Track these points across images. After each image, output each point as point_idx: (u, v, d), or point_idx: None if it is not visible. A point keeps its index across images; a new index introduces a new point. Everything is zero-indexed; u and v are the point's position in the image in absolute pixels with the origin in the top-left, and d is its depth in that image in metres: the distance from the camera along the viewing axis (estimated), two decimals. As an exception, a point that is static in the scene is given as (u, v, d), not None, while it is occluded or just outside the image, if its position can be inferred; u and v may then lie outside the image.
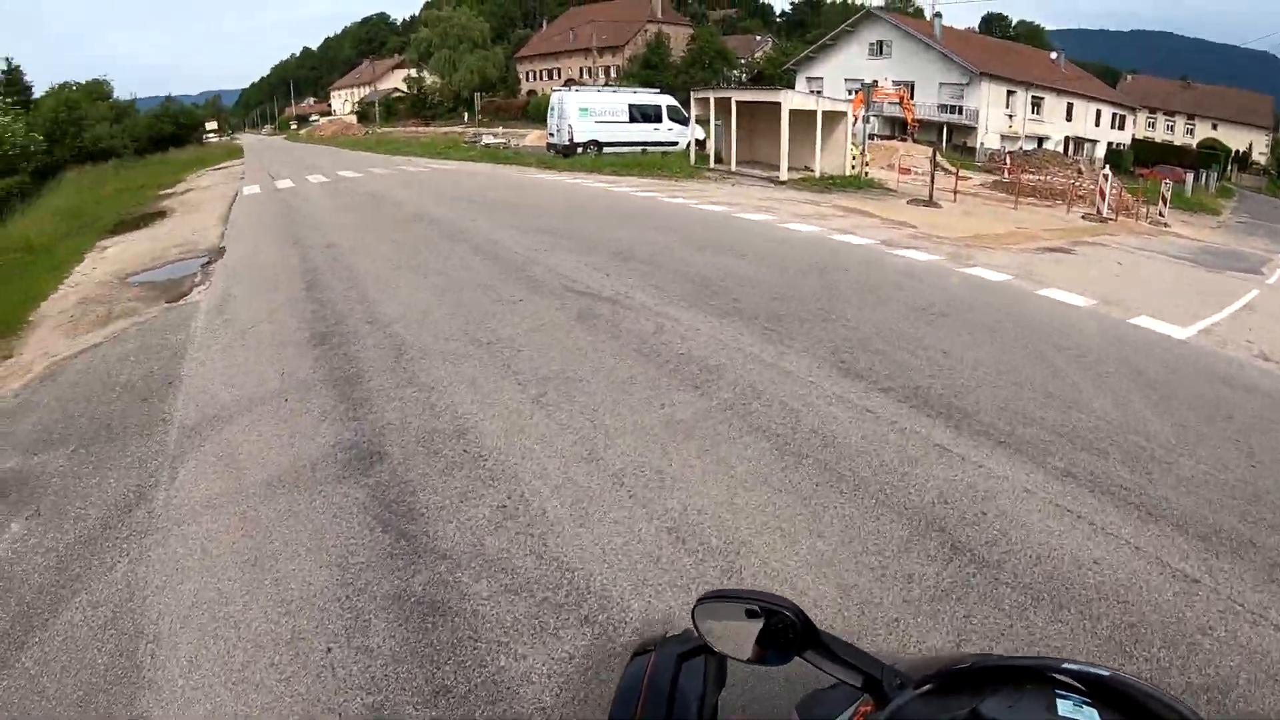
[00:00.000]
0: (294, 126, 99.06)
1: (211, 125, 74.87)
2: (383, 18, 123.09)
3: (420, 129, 61.16)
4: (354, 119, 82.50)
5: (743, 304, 7.50)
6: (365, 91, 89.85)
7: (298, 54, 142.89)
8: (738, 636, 1.16)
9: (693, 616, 1.19)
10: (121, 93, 55.38)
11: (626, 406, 5.08)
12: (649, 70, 58.13)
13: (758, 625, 1.14)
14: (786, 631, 1.12)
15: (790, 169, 18.58)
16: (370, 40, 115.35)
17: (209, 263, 10.54)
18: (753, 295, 7.88)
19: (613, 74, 61.18)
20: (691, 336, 6.48)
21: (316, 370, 5.96)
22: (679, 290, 7.98)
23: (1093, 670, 0.97)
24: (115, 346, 7.15)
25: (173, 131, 54.39)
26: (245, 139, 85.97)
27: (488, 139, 38.98)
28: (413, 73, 78.24)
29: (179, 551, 3.80)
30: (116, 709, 2.90)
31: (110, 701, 2.94)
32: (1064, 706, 0.93)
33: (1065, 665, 0.98)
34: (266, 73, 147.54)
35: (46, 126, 40.36)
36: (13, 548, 3.99)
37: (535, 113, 58.30)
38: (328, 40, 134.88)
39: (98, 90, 50.98)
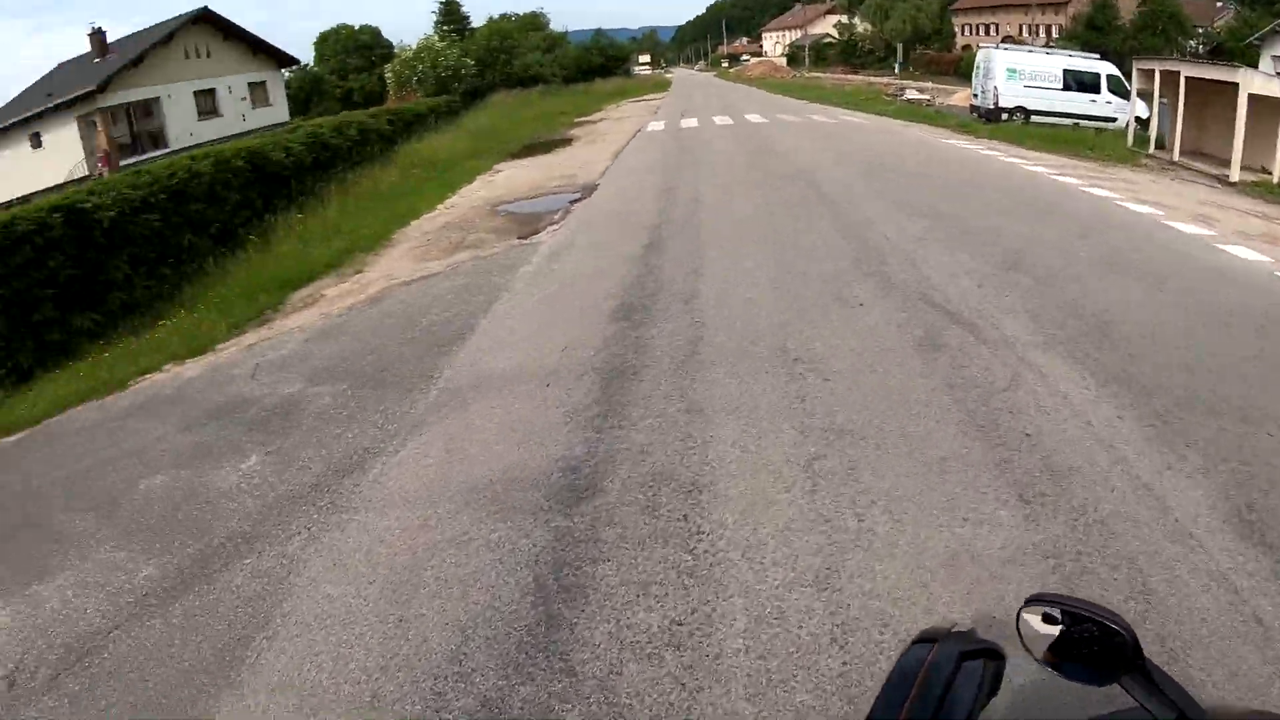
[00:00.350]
0: (725, 65, 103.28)
1: (644, 59, 79.99)
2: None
3: (847, 76, 59.73)
4: (783, 61, 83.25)
5: (1139, 368, 5.05)
6: (796, 35, 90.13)
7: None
8: (1056, 645, 1.10)
9: (1018, 617, 1.14)
10: (557, 25, 60.57)
11: (915, 508, 3.56)
12: (1092, 32, 50.60)
13: (1080, 636, 1.08)
14: (1112, 650, 1.05)
15: (1243, 168, 14.60)
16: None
17: (576, 200, 10.83)
18: (1156, 354, 5.29)
19: (1054, 34, 54.07)
20: (1051, 408, 4.52)
21: (599, 353, 5.57)
22: (1060, 327, 5.77)
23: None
24: (445, 280, 7.45)
25: (600, 63, 57.21)
26: (677, 73, 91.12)
27: (911, 94, 36.54)
28: (844, 19, 76.47)
29: (346, 546, 3.70)
30: (201, 701, 2.88)
31: (201, 687, 2.95)
32: None
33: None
34: (702, 11, 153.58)
35: (479, 53, 45.52)
36: (237, 483, 4.20)
37: (967, 69, 54.21)
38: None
39: (532, 22, 56.67)
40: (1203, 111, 16.52)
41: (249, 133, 25.88)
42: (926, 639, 1.16)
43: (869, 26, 69.73)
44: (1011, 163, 14.49)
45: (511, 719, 2.58)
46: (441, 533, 3.67)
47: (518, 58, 49.55)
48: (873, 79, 56.07)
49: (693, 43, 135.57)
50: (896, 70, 62.85)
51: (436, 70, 40.66)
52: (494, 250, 8.50)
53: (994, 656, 1.09)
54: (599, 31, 65.02)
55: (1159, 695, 1.01)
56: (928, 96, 34.46)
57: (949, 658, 1.10)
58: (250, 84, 35.01)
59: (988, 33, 59.48)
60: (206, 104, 32.33)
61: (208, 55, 32.33)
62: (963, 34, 63.30)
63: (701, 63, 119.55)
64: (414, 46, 43.25)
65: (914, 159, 14.56)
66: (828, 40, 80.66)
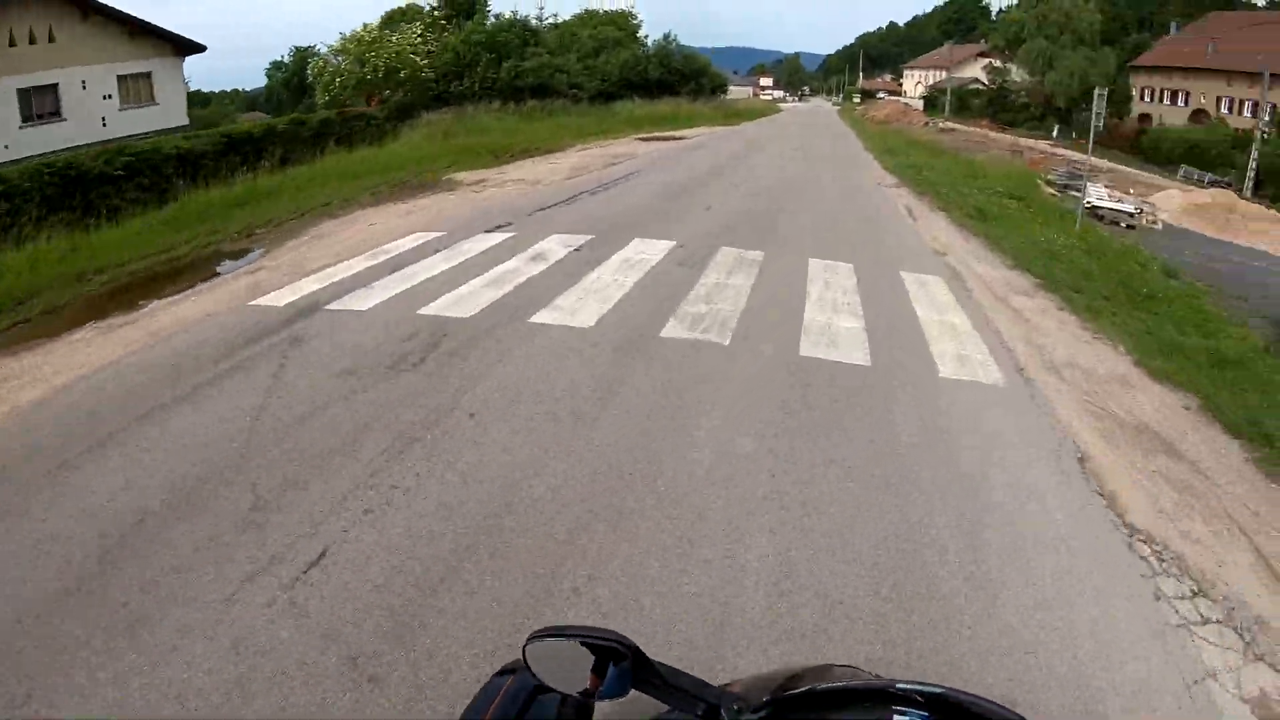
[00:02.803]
0: (856, 100, 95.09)
1: (765, 81, 73.51)
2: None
3: (993, 133, 50.68)
4: (919, 104, 74.58)
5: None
6: (939, 76, 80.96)
7: (884, 27, 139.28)
8: (572, 671, 1.17)
9: (523, 654, 1.20)
10: (695, 38, 52.37)
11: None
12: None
13: (591, 660, 1.16)
14: (619, 665, 1.15)
15: None
16: (958, 23, 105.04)
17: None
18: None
19: (1270, 113, 42.97)
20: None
21: None
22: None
23: (927, 688, 1.03)
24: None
25: (659, 76, 45.69)
26: (795, 106, 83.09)
27: (1098, 197, 20.15)
28: (995, 62, 67.16)
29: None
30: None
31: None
32: None
33: (899, 685, 1.04)
34: (850, 41, 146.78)
35: (456, 48, 39.83)
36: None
37: (1150, 147, 44.32)
38: (915, 18, 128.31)
39: (623, 22, 48.77)
40: None
41: (105, 142, 19.28)
42: (507, 671, 1.36)
43: (1025, 75, 60.56)
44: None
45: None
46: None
47: (529, 59, 40.68)
48: (1030, 140, 47.01)
49: (839, 73, 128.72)
50: (1056, 133, 53.54)
51: (365, 70, 34.80)
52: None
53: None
54: (667, 37, 50.18)
55: (676, 691, 1.15)
56: (1131, 207, 19.69)
57: (522, 690, 1.31)
58: (123, 77, 26.89)
59: (1175, 100, 49.48)
60: (44, 104, 24.29)
61: (50, 40, 24.11)
62: (1142, 99, 53.08)
63: (838, 95, 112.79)
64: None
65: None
66: (975, 85, 71.47)
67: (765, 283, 9.12)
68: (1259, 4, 58.57)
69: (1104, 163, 36.14)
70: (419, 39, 39.49)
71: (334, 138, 25.55)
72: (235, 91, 68.84)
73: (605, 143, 28.53)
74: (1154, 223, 18.59)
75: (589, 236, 11.29)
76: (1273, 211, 24.11)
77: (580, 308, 7.96)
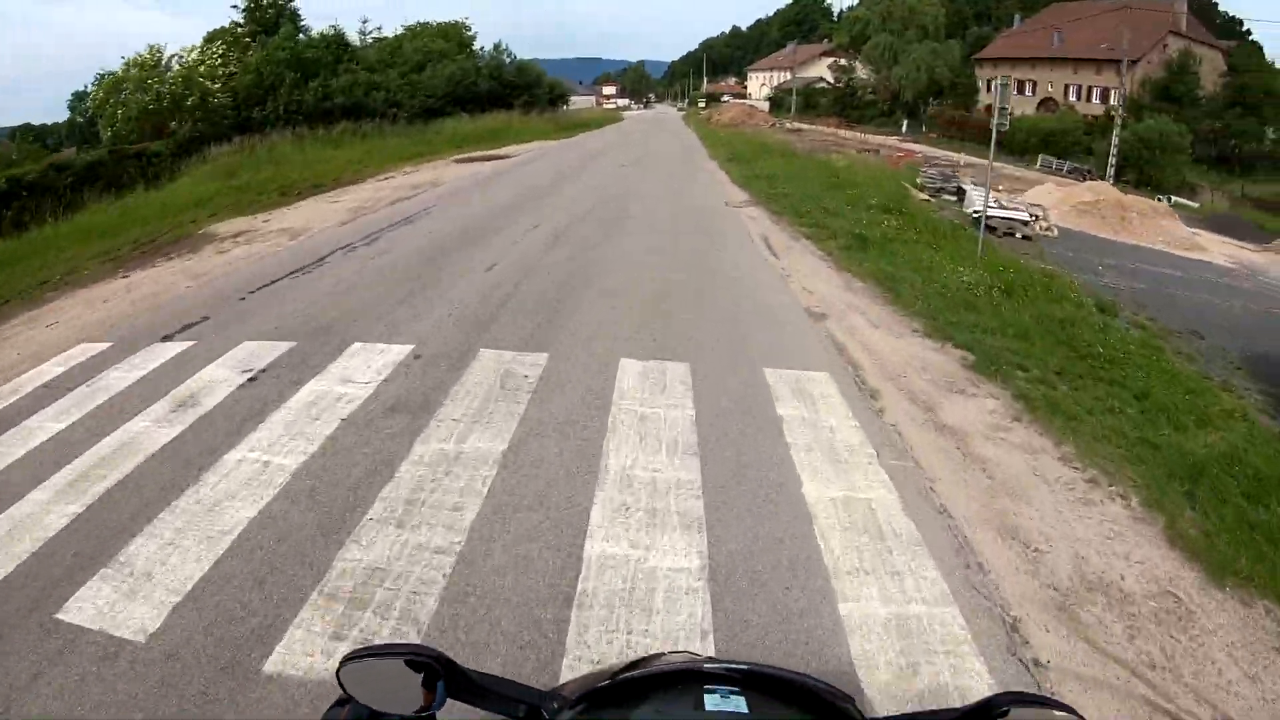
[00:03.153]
0: (701, 104, 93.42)
1: (609, 90, 71.40)
2: (816, 1, 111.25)
3: (842, 131, 48.81)
4: (765, 106, 73.06)
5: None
6: (784, 77, 79.84)
7: (726, 32, 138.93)
8: (401, 690, 1.13)
9: (338, 679, 1.14)
10: (544, 51, 47.66)
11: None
12: (1168, 103, 39.86)
13: (418, 676, 1.13)
14: (434, 678, 1.12)
15: None
16: (800, 23, 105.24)
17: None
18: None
19: (1112, 98, 42.45)
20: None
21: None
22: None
23: (735, 664, 1.08)
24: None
25: (488, 90, 40.99)
26: (638, 113, 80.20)
27: (984, 201, 14.14)
28: (841, 61, 66.14)
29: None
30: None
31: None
32: (711, 700, 1.03)
33: (706, 666, 1.11)
34: (694, 47, 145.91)
35: (259, 69, 35.50)
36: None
37: (1006, 139, 42.74)
38: (758, 22, 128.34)
39: (448, 34, 44.15)
40: None
41: None
42: (340, 703, 1.24)
43: (871, 72, 59.50)
44: None
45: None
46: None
47: (341, 76, 36.41)
48: (882, 138, 45.25)
49: (683, 79, 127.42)
50: (905, 127, 52.37)
51: (148, 99, 30.89)
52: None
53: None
54: (498, 47, 47.01)
55: (495, 697, 1.14)
56: (1025, 214, 16.22)
57: (359, 718, 1.22)
58: None
59: (1021, 90, 48.87)
60: None
61: None
62: (987, 90, 52.50)
63: (683, 101, 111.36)
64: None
65: None
66: (820, 85, 70.37)
67: (532, 434, 5.17)
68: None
69: (961, 156, 34.37)
70: (219, 60, 34.38)
71: (105, 182, 21.81)
72: (26, 126, 59.89)
73: (416, 167, 24.63)
74: (1049, 229, 15.83)
75: (288, 345, 7.11)
76: (1156, 203, 22.27)
77: (158, 568, 3.84)
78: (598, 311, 8.05)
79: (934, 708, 1.26)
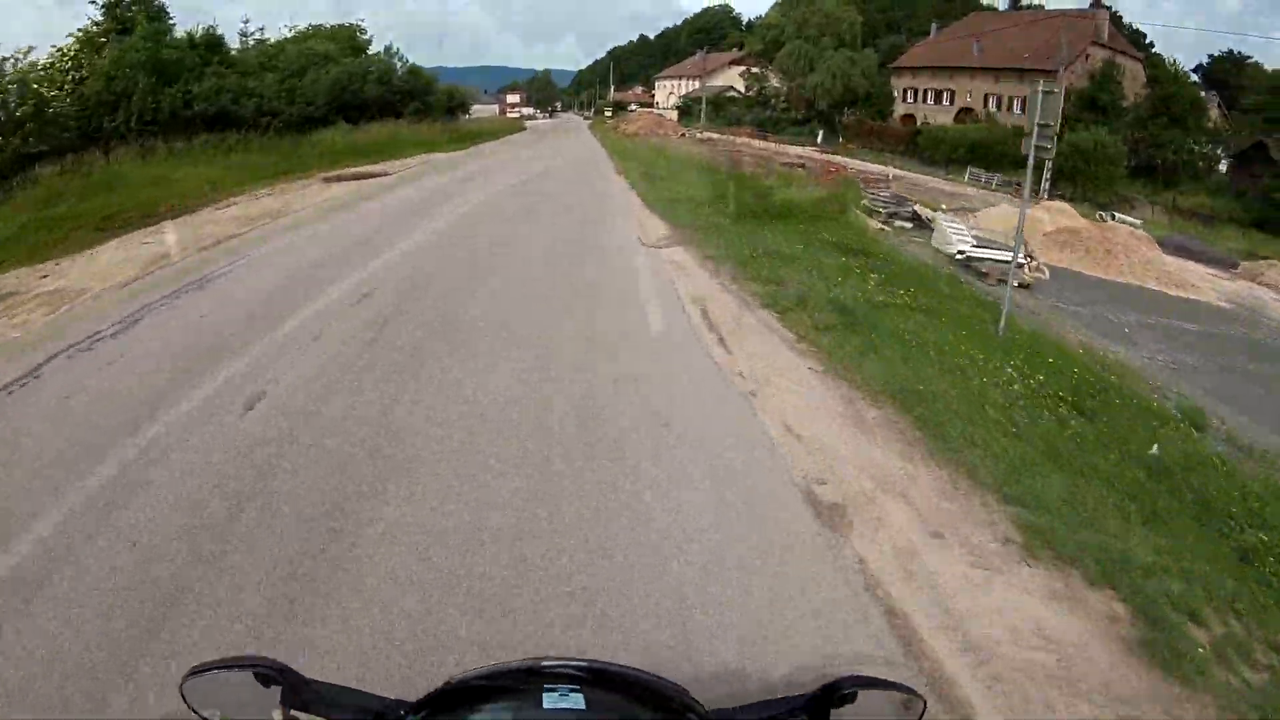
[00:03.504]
0: (607, 113, 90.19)
1: (512, 98, 69.06)
2: (725, 9, 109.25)
3: (755, 141, 45.87)
4: (674, 114, 70.21)
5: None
6: (693, 85, 77.24)
7: (635, 40, 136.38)
8: (243, 703, 1.09)
9: (182, 695, 1.10)
10: (444, 59, 42.56)
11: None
12: (1094, 113, 38.42)
13: (261, 688, 1.09)
14: (270, 687, 1.08)
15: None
16: (709, 32, 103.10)
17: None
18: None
19: (1018, 109, 40.74)
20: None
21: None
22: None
23: (573, 662, 1.07)
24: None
25: (376, 96, 36.97)
26: (544, 123, 76.65)
27: (965, 240, 13.95)
28: (753, 69, 63.68)
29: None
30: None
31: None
32: (550, 699, 1.01)
33: (544, 665, 1.08)
34: (602, 56, 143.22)
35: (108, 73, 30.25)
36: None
37: (930, 149, 40.85)
38: (666, 31, 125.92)
39: (337, 36, 39.52)
40: None
41: None
42: None
43: (785, 80, 57.16)
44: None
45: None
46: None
47: (206, 81, 31.81)
48: (793, 148, 42.45)
49: (590, 88, 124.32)
50: (820, 138, 49.91)
51: None
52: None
53: None
54: (389, 50, 41.89)
55: (338, 706, 1.09)
56: (1030, 256, 13.64)
57: None
58: None
59: (940, 100, 46.94)
60: None
61: None
62: (904, 99, 50.57)
63: (589, 110, 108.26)
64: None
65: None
66: (731, 94, 67.86)
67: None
68: (999, 8, 58.29)
69: (891, 170, 31.89)
70: (69, 62, 29.20)
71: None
72: None
73: (272, 189, 20.30)
74: (1039, 271, 12.77)
75: None
76: (1138, 231, 19.72)
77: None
78: (433, 488, 4.32)
79: (773, 697, 1.22)
